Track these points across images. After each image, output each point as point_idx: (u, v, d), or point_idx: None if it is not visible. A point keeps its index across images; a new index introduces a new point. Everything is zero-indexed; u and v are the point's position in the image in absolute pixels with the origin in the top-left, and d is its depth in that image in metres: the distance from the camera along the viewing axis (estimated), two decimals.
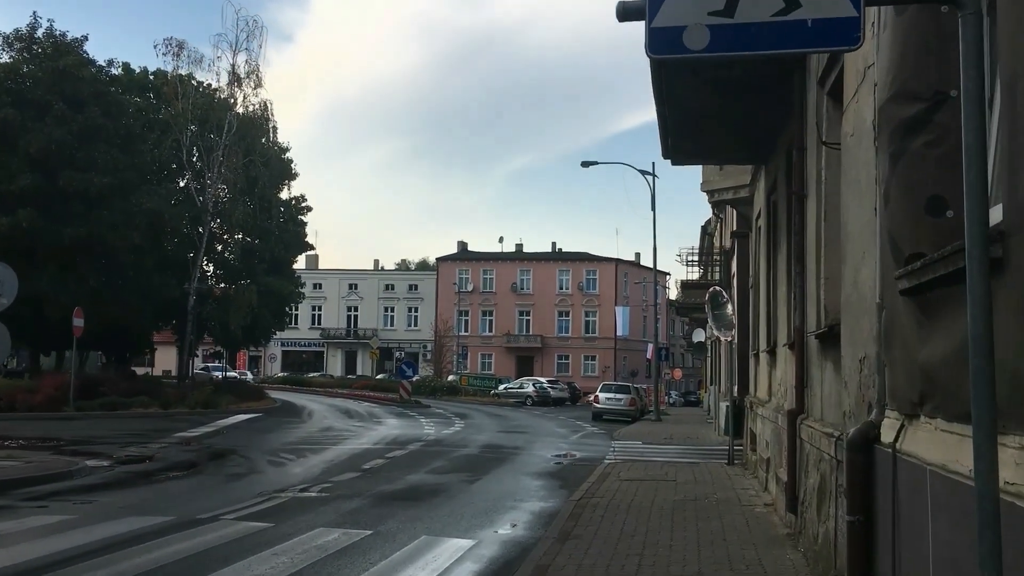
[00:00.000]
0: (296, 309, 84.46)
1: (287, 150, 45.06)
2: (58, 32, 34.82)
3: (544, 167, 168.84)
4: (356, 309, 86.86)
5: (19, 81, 33.91)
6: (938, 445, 4.11)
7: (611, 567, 7.81)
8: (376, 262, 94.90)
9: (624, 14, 3.52)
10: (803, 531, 8.57)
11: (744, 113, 11.26)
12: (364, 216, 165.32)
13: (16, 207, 31.15)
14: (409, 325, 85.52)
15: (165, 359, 64.77)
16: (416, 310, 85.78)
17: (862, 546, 5.60)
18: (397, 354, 77.98)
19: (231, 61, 38.95)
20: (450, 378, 64.85)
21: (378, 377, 67.91)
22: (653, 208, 37.36)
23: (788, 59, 8.88)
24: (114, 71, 38.02)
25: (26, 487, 12.46)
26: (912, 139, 4.63)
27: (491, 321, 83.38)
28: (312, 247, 48.07)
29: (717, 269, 30.33)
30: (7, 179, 31.43)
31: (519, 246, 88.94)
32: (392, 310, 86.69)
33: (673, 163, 14.13)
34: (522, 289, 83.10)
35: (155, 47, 37.82)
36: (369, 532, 9.59)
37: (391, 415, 33.79)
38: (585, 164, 37.37)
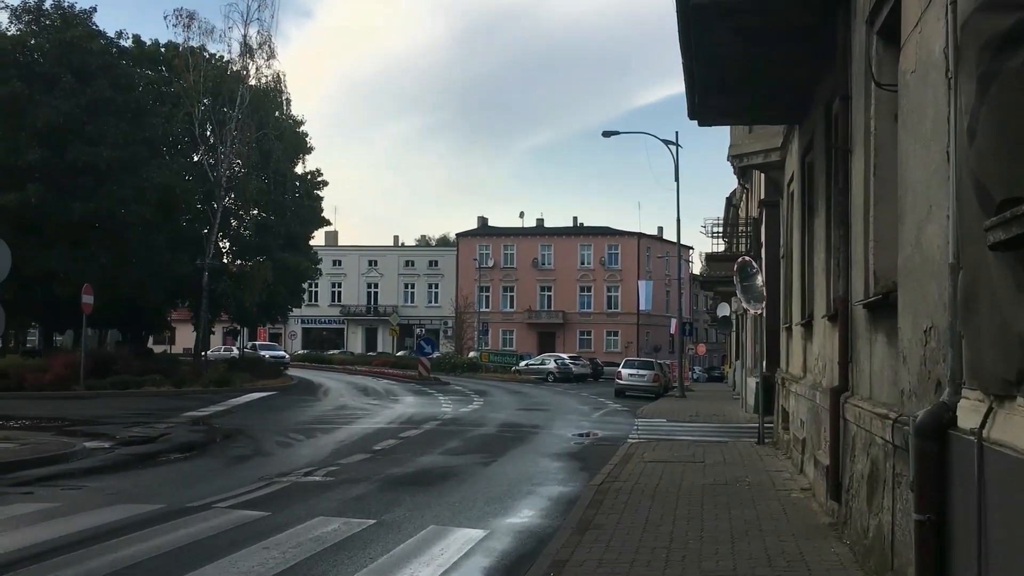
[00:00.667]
0: (316, 286, 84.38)
1: (302, 123, 44.35)
2: (66, 4, 34.18)
3: (565, 142, 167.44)
4: (376, 286, 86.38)
5: (27, 54, 33.31)
6: None
7: (636, 563, 7.01)
8: (396, 238, 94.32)
9: None
10: (848, 521, 7.72)
11: (778, 65, 10.29)
12: (384, 193, 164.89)
13: (24, 182, 30.62)
14: (430, 302, 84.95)
15: (186, 338, 64.46)
16: (436, 286, 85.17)
17: (933, 550, 4.74)
18: (417, 331, 77.31)
19: (243, 32, 38.24)
20: (471, 355, 64.19)
21: (398, 354, 67.44)
22: (676, 179, 36.37)
23: None
24: (124, 44, 37.34)
25: (17, 471, 11.83)
26: (1008, 56, 3.71)
27: (512, 297, 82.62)
28: (329, 222, 47.38)
29: (743, 241, 29.30)
30: (15, 154, 30.87)
31: (540, 221, 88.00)
32: (412, 287, 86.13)
33: (700, 123, 13.14)
34: (543, 264, 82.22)
35: (165, 18, 36.92)
36: (372, 522, 8.83)
37: (409, 393, 33.12)
38: (607, 134, 36.33)
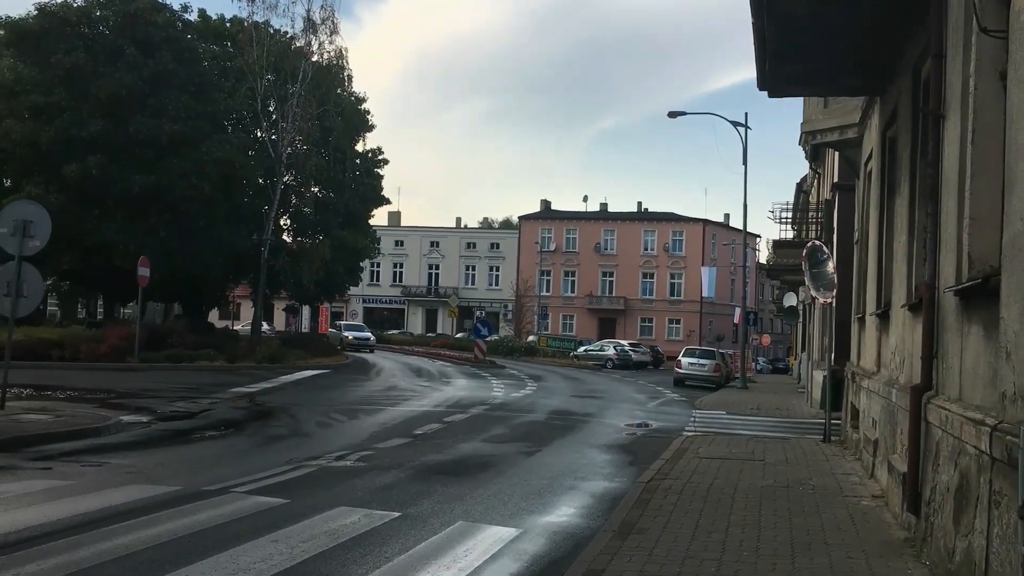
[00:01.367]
0: (378, 266, 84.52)
1: (363, 100, 43.91)
2: None
3: (632, 127, 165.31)
4: (437, 267, 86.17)
5: (92, 26, 33.37)
6: None
7: None
8: (458, 220, 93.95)
9: None
10: (929, 539, 6.76)
11: (860, 22, 9.24)
12: (449, 175, 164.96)
13: (86, 154, 30.69)
14: (490, 284, 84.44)
15: (251, 314, 64.68)
16: (497, 269, 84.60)
17: None
18: (477, 313, 76.94)
19: (306, 7, 37.84)
20: (530, 339, 63.46)
21: (457, 336, 66.99)
22: (744, 162, 34.95)
23: None
24: (189, 18, 37.24)
25: (44, 444, 11.47)
26: None
27: (573, 282, 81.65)
28: (388, 201, 46.87)
29: (814, 227, 27.93)
30: (78, 125, 30.97)
31: (604, 205, 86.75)
32: (473, 269, 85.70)
33: (771, 94, 12.09)
34: (606, 249, 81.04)
35: None
36: (396, 515, 8.14)
37: (462, 375, 32.52)
38: (672, 114, 35.08)
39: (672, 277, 79.42)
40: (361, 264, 46.73)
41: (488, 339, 47.06)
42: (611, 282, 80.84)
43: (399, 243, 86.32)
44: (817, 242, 15.22)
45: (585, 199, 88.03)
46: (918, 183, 8.79)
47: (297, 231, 42.65)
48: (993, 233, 5.86)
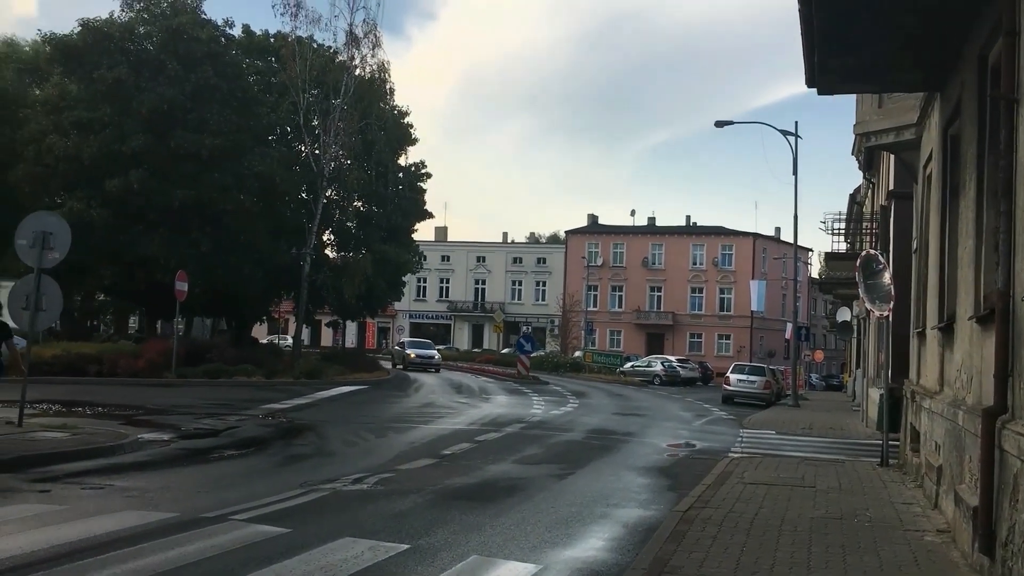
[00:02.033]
0: (424, 281, 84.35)
1: (406, 114, 43.52)
2: None
3: (681, 141, 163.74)
4: (484, 282, 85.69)
5: (135, 41, 33.50)
6: None
7: None
8: (505, 235, 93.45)
9: None
10: None
11: (918, 7, 8.40)
12: (497, 191, 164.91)
13: (128, 168, 30.67)
14: (537, 299, 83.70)
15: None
16: (544, 284, 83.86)
17: None
18: (524, 328, 76.22)
19: (348, 20, 37.60)
20: (576, 354, 62.51)
21: (503, 351, 66.32)
22: (795, 171, 33.81)
23: None
24: (231, 32, 37.18)
25: (52, 464, 10.97)
26: None
27: (621, 296, 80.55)
28: (431, 215, 46.36)
29: (868, 239, 26.76)
30: (120, 139, 30.97)
31: (651, 220, 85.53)
32: (520, 284, 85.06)
33: (820, 91, 11.20)
34: (654, 264, 79.83)
35: (273, 7, 36.60)
36: (405, 547, 7.42)
37: (503, 391, 31.76)
38: (719, 124, 34.14)
39: (722, 292, 77.93)
40: (403, 279, 46.28)
41: (532, 355, 46.25)
42: (659, 297, 79.58)
43: (445, 258, 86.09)
44: (872, 251, 14.24)
45: (633, 213, 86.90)
46: (986, 180, 7.89)
47: (339, 245, 42.36)
48: None
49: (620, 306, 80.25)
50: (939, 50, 9.52)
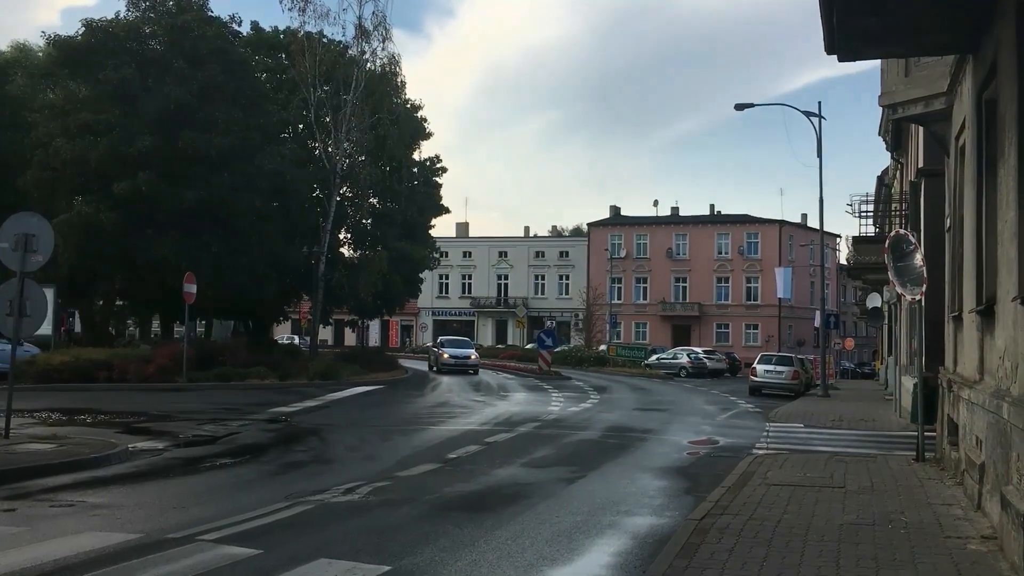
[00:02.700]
0: (446, 278, 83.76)
1: (420, 108, 42.82)
2: None
3: (704, 132, 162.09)
4: (506, 277, 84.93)
5: (140, 40, 33.01)
6: None
7: None
8: (527, 229, 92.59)
9: None
10: None
11: None
12: (520, 186, 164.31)
13: (136, 170, 30.16)
14: (560, 293, 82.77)
15: (321, 330, 63.71)
16: (567, 278, 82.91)
17: None
18: (547, 323, 75.35)
19: (357, 14, 36.93)
20: (600, 348, 61.57)
21: (527, 347, 65.50)
22: (819, 153, 32.69)
23: None
24: (237, 28, 36.58)
25: (29, 479, 10.37)
26: None
27: (645, 288, 79.47)
28: (447, 210, 45.56)
29: (897, 221, 25.67)
30: (127, 141, 30.45)
31: (675, 210, 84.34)
32: (542, 278, 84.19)
33: (841, 57, 10.31)
34: (678, 254, 78.65)
35: (280, 2, 35.90)
36: (386, 569, 6.69)
37: (522, 389, 30.93)
38: (739, 107, 32.99)
39: (748, 281, 76.63)
40: (421, 275, 45.58)
41: (554, 349, 45.42)
42: (684, 288, 78.40)
43: (467, 254, 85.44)
44: (902, 231, 13.31)
45: (655, 204, 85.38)
46: None
47: (355, 243, 41.73)
48: None
49: (645, 298, 79.19)
50: (972, 5, 8.63)
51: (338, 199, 37.01)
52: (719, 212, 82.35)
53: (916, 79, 12.77)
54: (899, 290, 13.62)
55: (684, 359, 49.94)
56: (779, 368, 33.46)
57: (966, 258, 10.56)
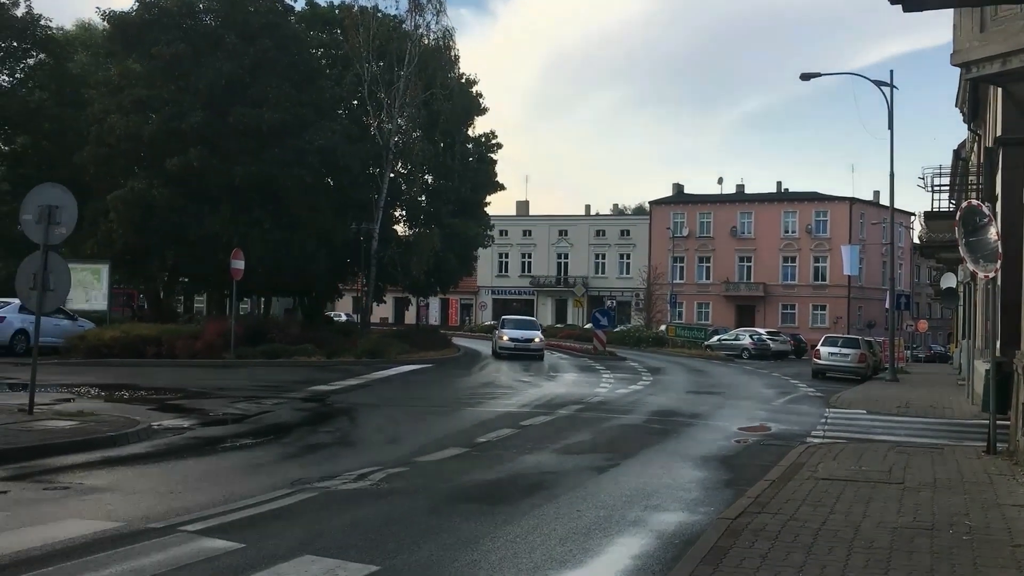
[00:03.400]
0: (506, 256, 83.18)
1: (474, 83, 42.07)
2: None
3: (771, 108, 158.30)
4: (566, 256, 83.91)
5: (193, 16, 32.87)
6: None
7: None
8: (588, 207, 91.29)
9: None
10: None
11: None
12: (584, 164, 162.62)
13: (187, 146, 30.05)
14: (621, 272, 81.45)
15: (380, 307, 63.23)
16: (628, 257, 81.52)
17: None
18: (608, 303, 74.27)
19: None
20: (661, 328, 60.37)
21: (586, 327, 64.61)
22: (891, 125, 31.02)
23: None
24: (291, 3, 36.35)
25: (40, 457, 10.01)
26: None
27: (708, 268, 77.73)
28: (502, 187, 44.73)
29: (972, 196, 24.13)
30: (178, 116, 30.36)
31: (740, 187, 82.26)
32: (603, 257, 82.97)
33: (905, 8, 9.24)
34: (743, 233, 76.69)
35: None
36: (374, 569, 6.03)
37: (573, 369, 30.11)
38: (805, 76, 31.43)
39: (816, 261, 74.35)
40: (475, 253, 44.95)
41: (610, 329, 44.43)
42: (749, 267, 76.45)
43: (527, 232, 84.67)
44: (974, 202, 12.14)
45: (720, 181, 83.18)
46: None
47: (409, 220, 41.30)
48: None
49: (707, 278, 77.48)
50: None
51: (392, 176, 36.59)
52: (787, 190, 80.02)
53: (992, 34, 11.57)
54: (971, 267, 12.48)
55: (746, 340, 48.55)
56: (844, 350, 32.05)
57: None
